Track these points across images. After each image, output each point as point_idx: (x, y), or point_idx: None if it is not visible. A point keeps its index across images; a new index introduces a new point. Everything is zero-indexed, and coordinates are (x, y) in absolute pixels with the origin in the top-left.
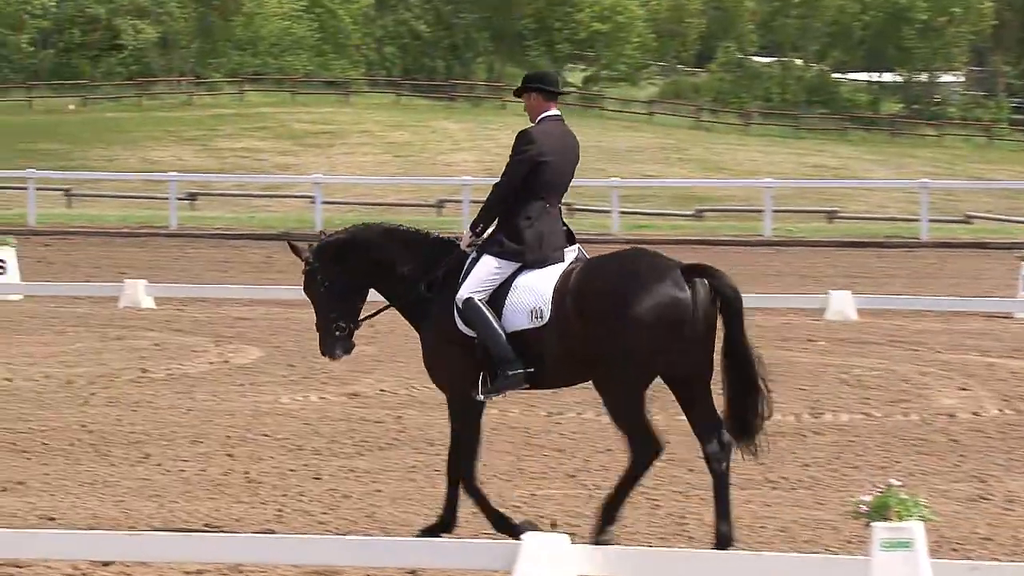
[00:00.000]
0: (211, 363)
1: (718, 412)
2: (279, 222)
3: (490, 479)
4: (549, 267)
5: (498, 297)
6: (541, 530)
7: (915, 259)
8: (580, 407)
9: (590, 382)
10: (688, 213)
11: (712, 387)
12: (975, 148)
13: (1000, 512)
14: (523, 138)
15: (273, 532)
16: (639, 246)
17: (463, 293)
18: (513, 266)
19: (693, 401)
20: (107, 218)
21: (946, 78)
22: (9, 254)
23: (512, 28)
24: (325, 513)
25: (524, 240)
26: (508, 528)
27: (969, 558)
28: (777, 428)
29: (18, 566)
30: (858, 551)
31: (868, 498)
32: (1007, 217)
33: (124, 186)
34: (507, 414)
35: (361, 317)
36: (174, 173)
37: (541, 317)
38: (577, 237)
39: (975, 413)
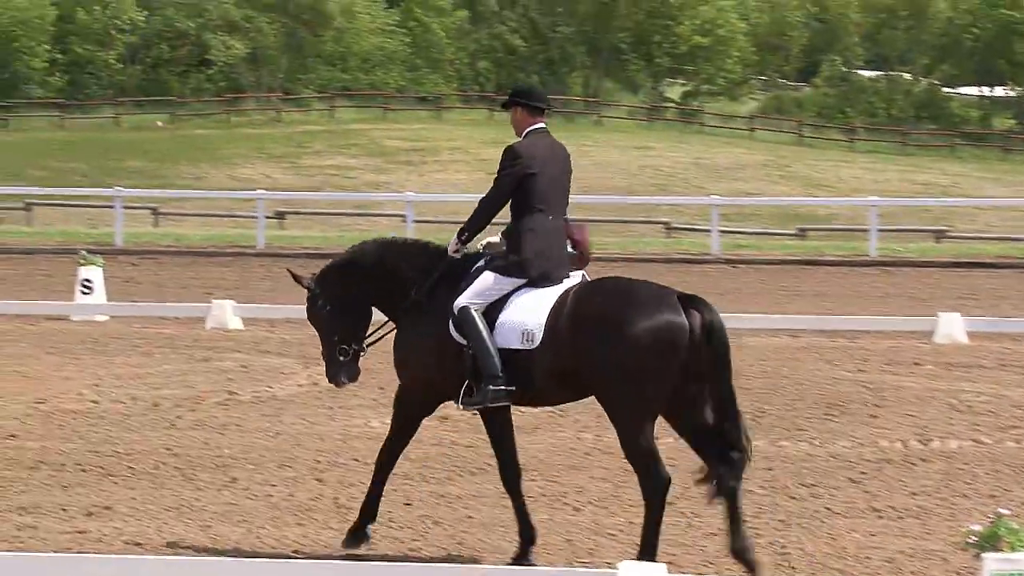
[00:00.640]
0: (300, 385)
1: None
2: None
3: (585, 506)
4: (548, 288)
5: (493, 311)
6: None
7: None
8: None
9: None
10: (790, 232)
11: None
12: None
13: None
14: (508, 153)
15: (362, 560)
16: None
17: (461, 301)
18: (515, 282)
19: (703, 425)
20: (194, 237)
21: None
22: (96, 274)
23: (609, 42)
24: (415, 540)
25: (525, 255)
26: (366, 515)
27: None
28: (883, 455)
29: None
30: None
31: (978, 528)
32: None
33: (211, 204)
34: (602, 439)
35: (367, 341)
36: (262, 191)
37: (531, 340)
38: (675, 257)
39: None
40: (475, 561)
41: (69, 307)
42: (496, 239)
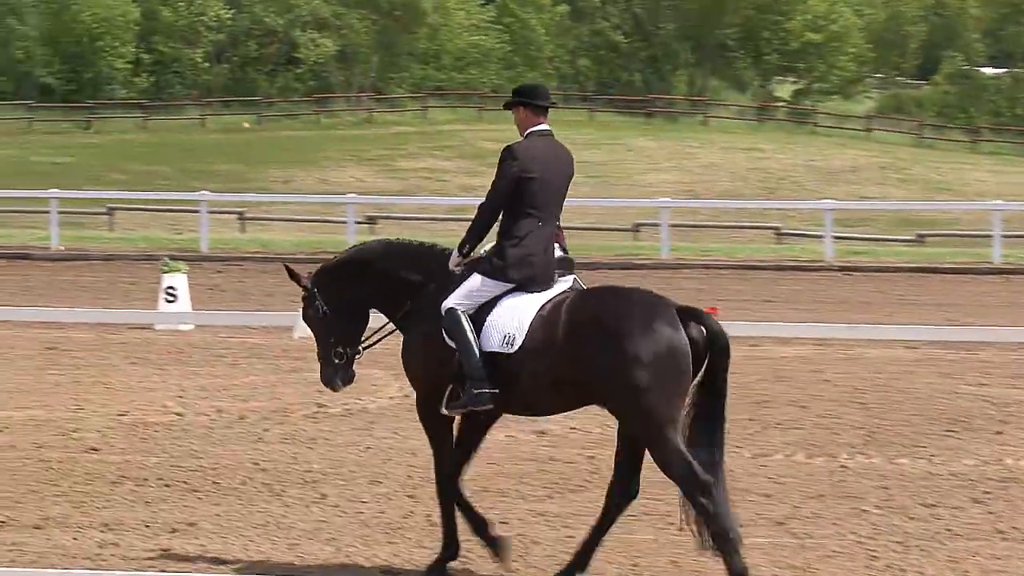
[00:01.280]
0: (391, 398)
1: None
2: None
3: (690, 525)
4: (536, 293)
5: (481, 314)
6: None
7: None
8: (789, 448)
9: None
10: (908, 238)
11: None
12: None
13: None
14: (506, 154)
15: None
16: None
17: (448, 303)
18: (502, 286)
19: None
20: (281, 243)
21: None
22: (180, 281)
23: (716, 38)
24: (512, 561)
25: (508, 260)
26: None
27: None
28: (1009, 474)
29: None
30: None
31: None
32: None
33: (300, 209)
34: None
35: (363, 345)
36: (353, 195)
37: (511, 344)
38: (785, 264)
39: None
40: None
41: (152, 316)
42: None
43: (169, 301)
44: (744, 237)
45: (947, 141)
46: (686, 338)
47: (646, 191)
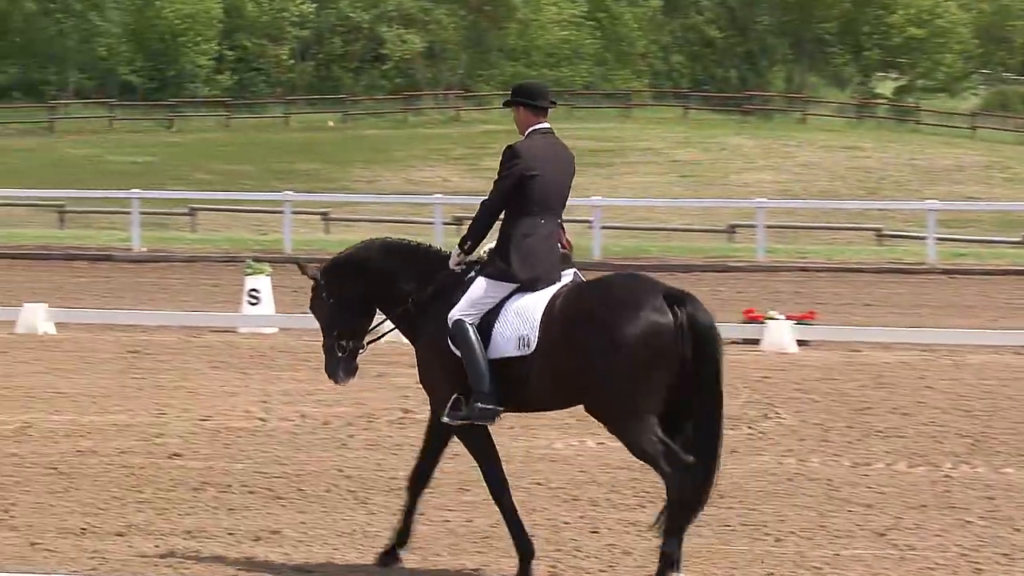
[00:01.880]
0: None
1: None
2: None
3: (787, 536)
4: (540, 292)
5: (488, 322)
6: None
7: None
8: (890, 457)
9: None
10: (1015, 240)
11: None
12: None
13: None
14: (508, 153)
15: None
16: (632, 272)
17: (454, 314)
18: (506, 288)
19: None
20: None
21: None
22: (264, 283)
23: (814, 33)
24: (603, 571)
25: (512, 259)
26: (526, 548)
27: None
28: None
29: None
30: None
31: None
32: None
33: (385, 209)
34: (806, 463)
35: (367, 340)
36: (439, 195)
37: (528, 345)
38: (886, 266)
39: None
40: None
41: (235, 318)
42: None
43: (252, 304)
44: (843, 239)
45: None
46: (671, 323)
47: (742, 191)
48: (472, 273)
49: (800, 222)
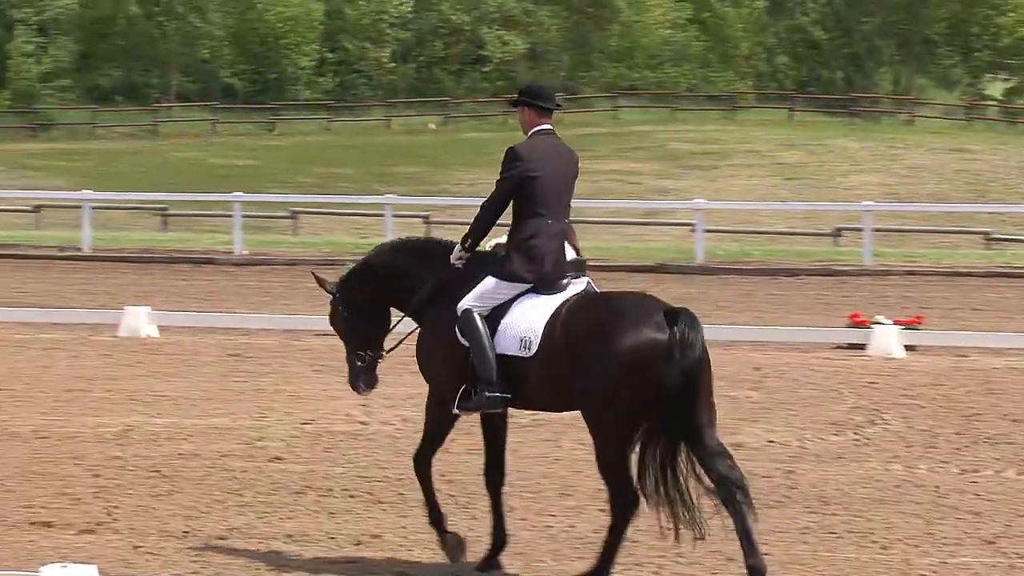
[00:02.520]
0: None
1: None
2: (656, 252)
3: (894, 543)
4: (550, 296)
5: (496, 317)
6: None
7: None
8: (999, 464)
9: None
10: None
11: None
12: None
13: None
14: (509, 155)
15: None
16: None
17: (464, 303)
18: (515, 288)
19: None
20: None
21: None
22: None
23: (921, 34)
24: None
25: (519, 260)
26: (439, 527)
27: None
28: None
29: None
30: None
31: None
32: None
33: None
34: (914, 470)
35: (387, 348)
36: None
37: (529, 348)
38: (995, 271)
39: None
40: None
41: None
42: (504, 239)
43: None
44: (951, 242)
45: None
46: (667, 340)
47: (848, 194)
48: (483, 272)
49: (907, 225)
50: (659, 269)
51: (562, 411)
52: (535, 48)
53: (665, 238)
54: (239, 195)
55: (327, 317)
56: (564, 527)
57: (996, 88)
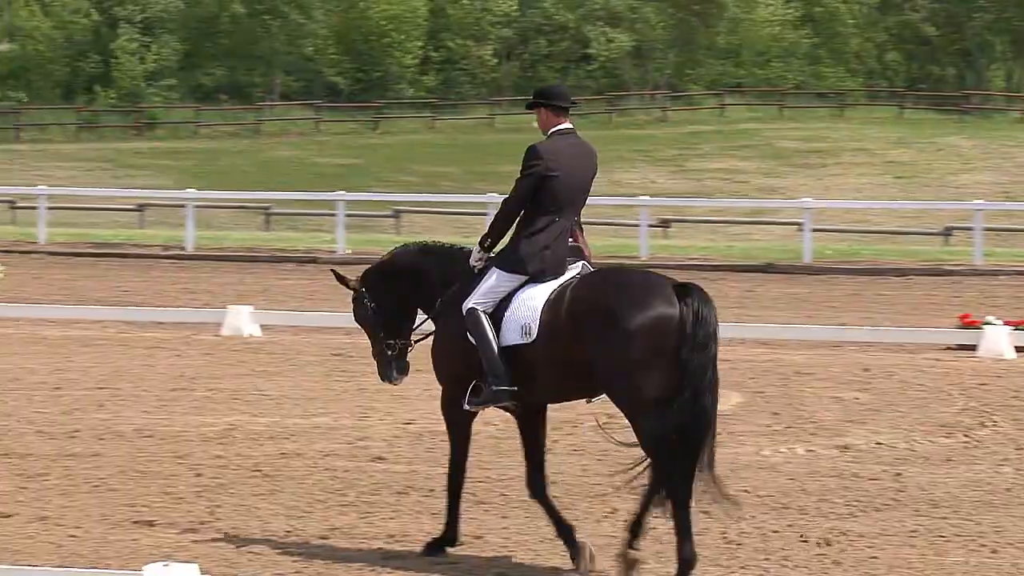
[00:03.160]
0: None
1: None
2: (762, 252)
3: (1004, 547)
4: (544, 283)
5: (500, 311)
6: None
7: None
8: None
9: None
10: None
11: None
12: None
13: None
14: (530, 154)
15: None
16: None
17: (468, 303)
18: (517, 279)
19: None
20: None
21: None
22: None
23: None
24: None
25: (524, 252)
26: (450, 537)
27: None
28: None
29: None
30: None
31: None
32: None
33: (590, 211)
34: None
35: (414, 338)
36: (645, 197)
37: (529, 334)
38: None
39: None
40: None
41: None
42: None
43: None
44: None
45: None
46: (678, 314)
47: (959, 193)
48: (481, 267)
49: (1019, 225)
50: (766, 269)
51: (566, 400)
52: (640, 46)
53: (771, 237)
54: (342, 194)
55: (353, 315)
56: (667, 529)
57: None
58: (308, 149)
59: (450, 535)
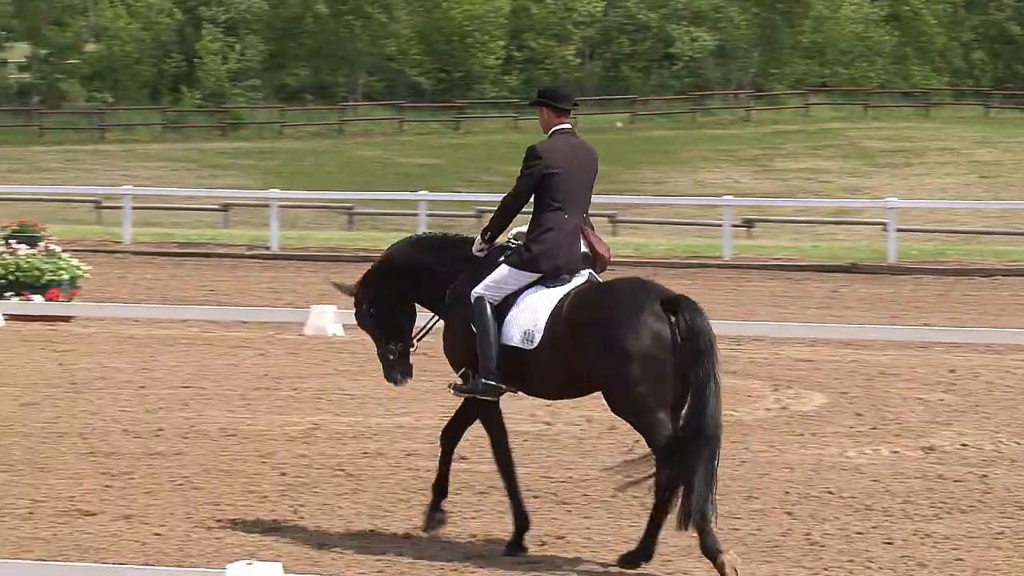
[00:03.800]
0: (768, 410)
1: None
2: (847, 252)
3: None
4: (555, 289)
5: (504, 308)
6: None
7: None
8: None
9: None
10: None
11: None
12: None
13: None
14: (530, 153)
15: None
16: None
17: (477, 290)
18: (528, 277)
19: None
20: (654, 247)
21: None
22: None
23: None
24: None
25: (535, 251)
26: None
27: None
28: None
29: None
30: None
31: None
32: None
33: (674, 211)
34: None
35: (416, 337)
36: (728, 197)
37: (531, 341)
38: None
39: None
40: None
41: None
42: (524, 229)
43: None
44: None
45: None
46: (668, 328)
47: None
48: (501, 258)
49: None
50: (851, 269)
51: (575, 396)
52: (725, 45)
53: (856, 237)
54: (424, 194)
55: (355, 319)
56: (751, 530)
57: None
58: (391, 149)
59: (518, 525)
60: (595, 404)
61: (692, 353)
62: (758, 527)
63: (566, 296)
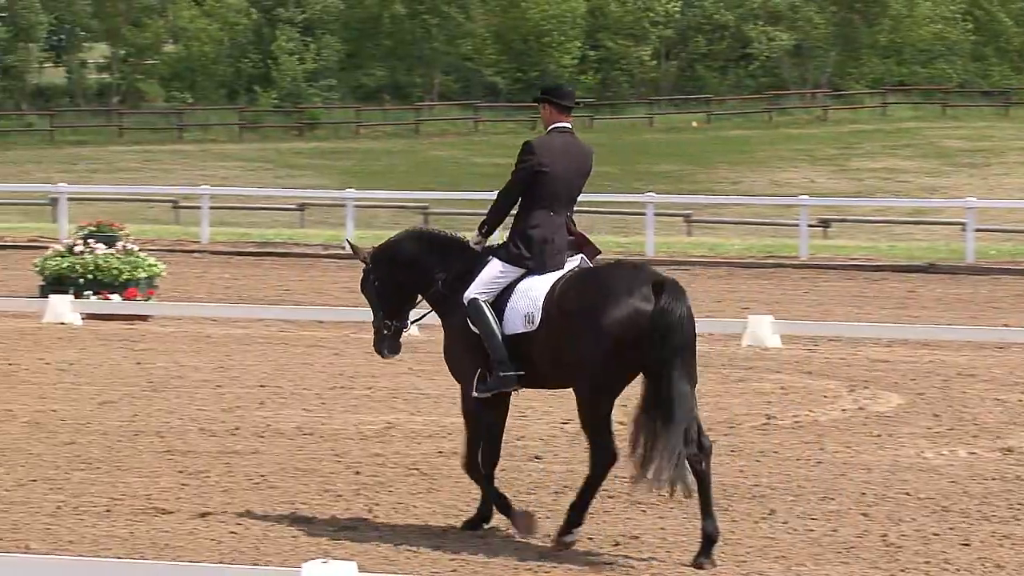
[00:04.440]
0: (844, 410)
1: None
2: (924, 252)
3: None
4: (548, 275)
5: (502, 300)
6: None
7: None
8: None
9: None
10: None
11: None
12: None
13: None
14: (524, 149)
15: None
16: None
17: (469, 293)
18: (516, 271)
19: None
20: (730, 247)
21: None
22: None
23: None
24: None
25: (526, 247)
26: (506, 510)
27: None
28: None
29: None
30: None
31: None
32: None
33: (749, 211)
34: None
35: (411, 319)
36: (805, 197)
37: (532, 322)
38: None
39: None
40: None
41: None
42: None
43: None
44: None
45: None
46: (650, 311)
47: None
48: (489, 256)
49: None
50: (929, 269)
51: (562, 386)
52: (802, 44)
53: (933, 237)
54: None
55: (360, 286)
56: (826, 531)
57: None
58: (466, 149)
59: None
60: None
61: (660, 334)
62: (833, 528)
63: (560, 278)
